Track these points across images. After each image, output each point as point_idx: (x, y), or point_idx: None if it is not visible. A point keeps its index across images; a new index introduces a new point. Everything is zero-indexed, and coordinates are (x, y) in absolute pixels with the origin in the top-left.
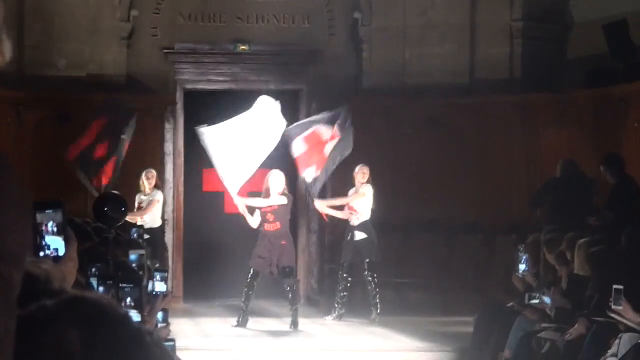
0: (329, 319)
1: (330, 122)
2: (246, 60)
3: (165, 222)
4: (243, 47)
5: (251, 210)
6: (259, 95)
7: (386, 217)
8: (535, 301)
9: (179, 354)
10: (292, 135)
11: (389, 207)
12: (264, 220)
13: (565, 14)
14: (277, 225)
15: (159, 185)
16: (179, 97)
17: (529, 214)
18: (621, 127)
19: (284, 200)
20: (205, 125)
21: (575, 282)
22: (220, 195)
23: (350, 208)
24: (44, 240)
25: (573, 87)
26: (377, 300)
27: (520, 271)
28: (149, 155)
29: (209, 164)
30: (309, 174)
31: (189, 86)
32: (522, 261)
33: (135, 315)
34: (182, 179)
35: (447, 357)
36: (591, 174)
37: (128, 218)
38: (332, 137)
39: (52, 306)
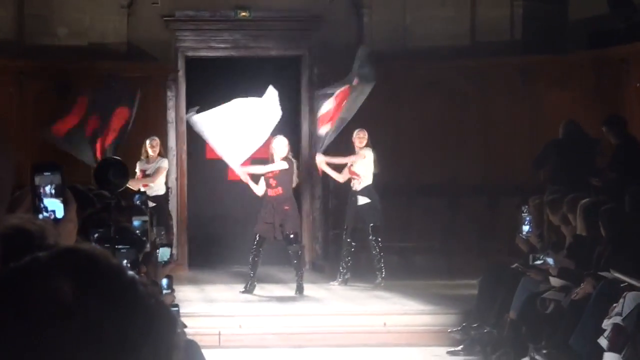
0: (334, 284)
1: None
2: (247, 26)
3: (169, 189)
4: (244, 13)
5: (255, 178)
6: (260, 62)
7: (389, 182)
8: (539, 262)
9: (184, 320)
10: (326, 94)
11: (392, 171)
12: (267, 185)
13: None
14: (279, 190)
15: (163, 153)
16: (181, 64)
17: (532, 176)
18: (623, 88)
19: (284, 165)
20: (194, 112)
21: (579, 242)
22: (223, 162)
23: (352, 173)
24: (43, 202)
25: (574, 49)
26: (382, 265)
27: (524, 233)
28: (151, 123)
29: None
30: (323, 129)
31: (190, 54)
32: (526, 222)
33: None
34: (185, 146)
35: (452, 320)
36: (593, 134)
37: (133, 185)
38: (348, 90)
39: (45, 257)
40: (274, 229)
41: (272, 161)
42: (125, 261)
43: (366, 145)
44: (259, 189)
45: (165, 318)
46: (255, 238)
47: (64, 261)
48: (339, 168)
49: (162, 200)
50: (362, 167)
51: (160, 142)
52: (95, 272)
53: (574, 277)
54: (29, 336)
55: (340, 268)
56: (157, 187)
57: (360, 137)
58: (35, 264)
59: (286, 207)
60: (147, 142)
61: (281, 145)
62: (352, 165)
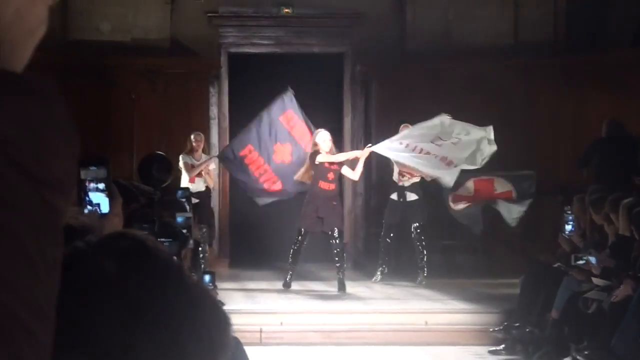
0: (374, 280)
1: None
2: (290, 23)
3: (212, 188)
4: (287, 10)
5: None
6: (302, 58)
7: (433, 180)
8: (582, 262)
9: None
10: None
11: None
12: (321, 177)
13: None
14: (333, 185)
15: (207, 149)
16: (224, 61)
17: (575, 175)
18: None
19: (354, 154)
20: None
21: (622, 242)
22: None
23: (403, 170)
24: (88, 196)
25: (618, 47)
26: (425, 264)
27: (567, 232)
28: (194, 119)
29: None
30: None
31: (233, 50)
32: (569, 222)
33: None
34: (227, 142)
35: (494, 319)
36: (637, 133)
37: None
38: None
39: (94, 239)
40: (322, 224)
41: (314, 155)
42: None
43: None
44: (356, 174)
45: (213, 311)
46: (300, 232)
47: (111, 242)
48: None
49: (204, 196)
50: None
51: (204, 138)
52: (141, 254)
53: (616, 276)
54: (75, 311)
55: (378, 266)
56: (198, 184)
57: None
58: (84, 245)
59: (334, 203)
60: (192, 136)
61: (326, 139)
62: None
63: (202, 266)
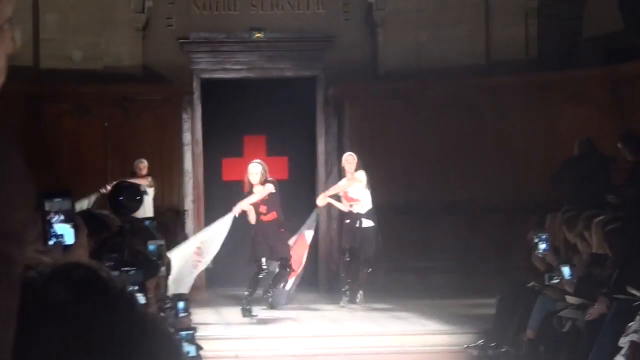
0: (341, 305)
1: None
2: (262, 47)
3: (186, 212)
4: (258, 34)
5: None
6: (275, 83)
7: (406, 201)
8: (556, 281)
9: (201, 343)
10: None
11: (409, 190)
12: (257, 213)
13: None
14: (272, 215)
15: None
16: (196, 86)
17: (549, 194)
18: (639, 104)
19: (271, 189)
20: None
21: (596, 260)
22: (239, 184)
23: (351, 199)
24: (53, 228)
25: (590, 65)
26: (348, 290)
27: (541, 251)
28: (168, 145)
29: (229, 154)
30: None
31: (205, 75)
32: (542, 241)
33: (139, 298)
34: (201, 169)
35: (471, 339)
36: (609, 151)
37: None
38: None
39: (46, 269)
40: (270, 252)
41: (249, 187)
42: (131, 283)
43: (357, 169)
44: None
45: (164, 343)
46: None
47: (64, 272)
48: (338, 197)
49: (176, 226)
50: (358, 190)
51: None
52: (94, 284)
53: (590, 294)
54: (24, 337)
55: (343, 289)
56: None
57: (349, 162)
58: (35, 274)
59: (282, 230)
60: (136, 163)
61: (255, 170)
62: (347, 192)
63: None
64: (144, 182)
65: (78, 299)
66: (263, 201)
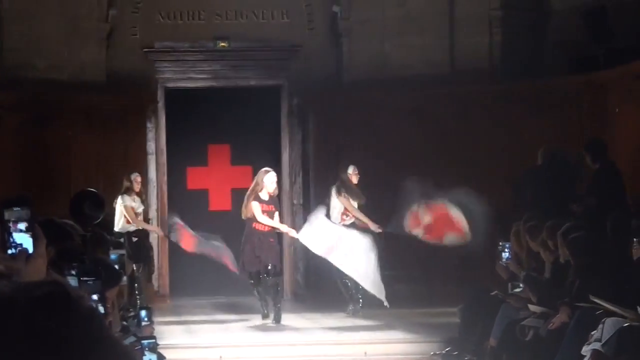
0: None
1: None
2: (226, 57)
3: (150, 221)
4: (223, 44)
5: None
6: (240, 92)
7: (370, 210)
8: (519, 289)
9: (165, 352)
10: None
11: (372, 200)
12: (254, 219)
13: (544, 2)
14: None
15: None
16: (160, 96)
17: (513, 203)
18: (602, 113)
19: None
20: None
21: (559, 269)
22: (204, 193)
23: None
24: (12, 237)
25: (554, 75)
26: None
27: (504, 260)
28: (132, 155)
29: (193, 163)
30: None
31: (170, 85)
32: (505, 250)
33: (98, 307)
34: (165, 177)
35: (434, 348)
36: (573, 160)
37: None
38: None
39: (7, 288)
40: (260, 262)
41: (256, 192)
42: (90, 293)
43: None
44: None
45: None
46: (250, 275)
47: (30, 289)
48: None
49: (142, 235)
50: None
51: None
52: (60, 301)
53: (552, 303)
54: None
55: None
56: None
57: (357, 174)
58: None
59: (271, 240)
60: (133, 176)
61: (273, 181)
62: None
63: (139, 302)
64: (139, 198)
65: (41, 316)
66: (269, 211)
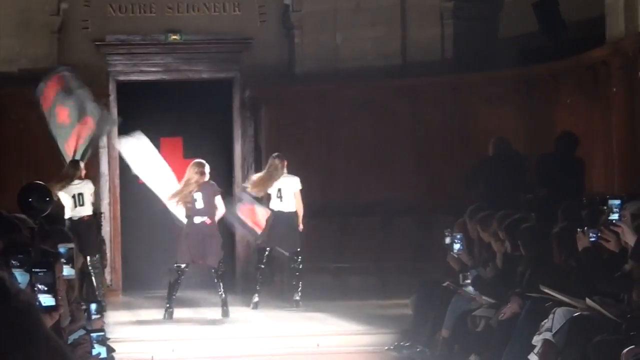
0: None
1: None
2: (178, 50)
3: (102, 214)
4: (174, 37)
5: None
6: (192, 85)
7: (323, 202)
8: (470, 280)
9: (115, 345)
10: None
11: (326, 191)
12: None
13: None
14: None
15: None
16: (112, 89)
17: (465, 194)
18: (554, 104)
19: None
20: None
21: (510, 259)
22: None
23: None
24: None
25: (505, 66)
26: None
27: (455, 250)
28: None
29: None
30: None
31: (121, 78)
32: (457, 241)
33: (49, 300)
34: (117, 171)
35: (387, 340)
36: (525, 151)
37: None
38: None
39: None
40: (201, 256)
41: (187, 185)
42: (41, 284)
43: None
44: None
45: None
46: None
47: None
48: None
49: (93, 227)
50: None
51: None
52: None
53: (503, 295)
54: None
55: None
56: (82, 210)
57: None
58: None
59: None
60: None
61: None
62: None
63: (98, 295)
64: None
65: None
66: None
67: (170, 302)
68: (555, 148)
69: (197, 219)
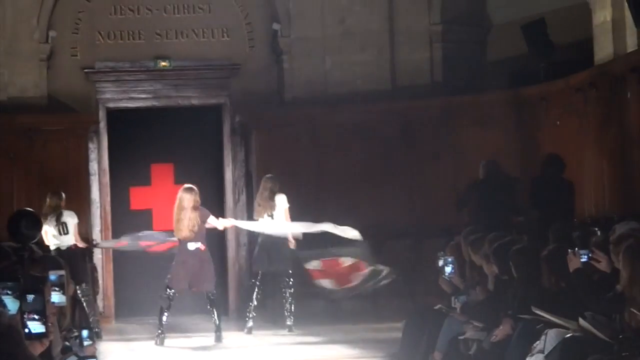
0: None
1: None
2: (167, 76)
3: (94, 241)
4: (164, 63)
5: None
6: (181, 111)
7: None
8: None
9: None
10: None
11: (317, 215)
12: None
13: (484, 16)
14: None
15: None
16: (102, 116)
17: (456, 217)
18: (543, 126)
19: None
20: None
21: (502, 281)
22: (148, 213)
23: None
24: None
25: (494, 89)
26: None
27: (447, 274)
28: (73, 175)
29: (136, 182)
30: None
31: (111, 105)
32: (448, 264)
33: (39, 327)
34: (108, 198)
35: None
36: (515, 173)
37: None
38: None
39: None
40: (191, 282)
41: (179, 211)
42: (31, 309)
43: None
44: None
45: None
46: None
47: None
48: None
49: (80, 255)
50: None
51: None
52: None
53: (493, 318)
54: None
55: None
56: (68, 240)
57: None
58: None
59: (204, 259)
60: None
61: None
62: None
63: (92, 322)
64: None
65: None
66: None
67: (162, 327)
68: (542, 172)
69: (192, 245)
